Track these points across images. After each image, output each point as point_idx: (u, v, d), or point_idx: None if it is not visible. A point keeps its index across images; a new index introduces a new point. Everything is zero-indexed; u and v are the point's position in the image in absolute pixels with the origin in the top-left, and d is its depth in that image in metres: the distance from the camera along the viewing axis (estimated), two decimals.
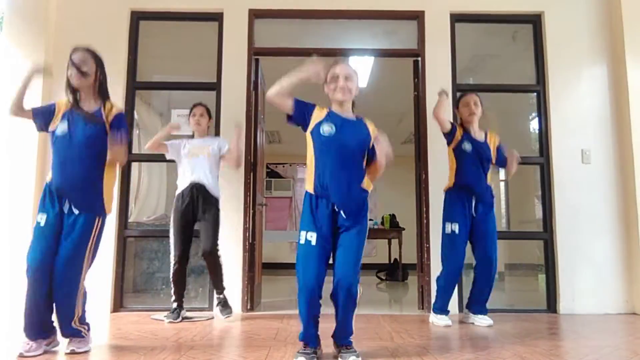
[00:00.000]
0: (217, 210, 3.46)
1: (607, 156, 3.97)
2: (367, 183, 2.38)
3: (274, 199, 9.76)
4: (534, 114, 4.33)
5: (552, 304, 3.88)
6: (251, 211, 3.93)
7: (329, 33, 4.21)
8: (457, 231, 3.27)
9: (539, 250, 4.20)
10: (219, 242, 3.43)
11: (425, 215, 3.93)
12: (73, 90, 2.48)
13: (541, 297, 3.99)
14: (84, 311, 2.44)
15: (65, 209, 2.38)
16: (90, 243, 2.39)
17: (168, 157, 3.58)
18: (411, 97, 4.29)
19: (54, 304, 2.35)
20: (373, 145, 2.39)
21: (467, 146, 3.32)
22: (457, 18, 4.14)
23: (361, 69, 5.75)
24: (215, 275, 3.45)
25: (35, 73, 2.49)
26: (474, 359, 2.30)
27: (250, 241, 3.90)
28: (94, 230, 2.41)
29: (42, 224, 2.36)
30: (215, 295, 3.52)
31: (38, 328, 2.35)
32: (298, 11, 4.13)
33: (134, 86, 4.06)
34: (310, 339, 2.28)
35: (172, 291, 3.43)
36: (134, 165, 4.26)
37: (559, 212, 3.92)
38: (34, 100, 2.61)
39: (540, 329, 3.15)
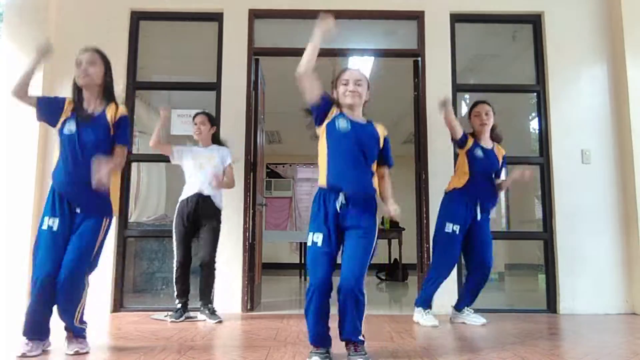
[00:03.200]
0: (219, 222, 3.50)
1: (607, 156, 3.97)
2: (375, 183, 2.38)
3: (274, 199, 9.76)
4: (534, 114, 4.33)
5: (552, 304, 3.88)
6: (251, 211, 3.93)
7: (329, 33, 4.19)
8: (457, 232, 3.28)
9: (539, 250, 4.20)
10: (217, 253, 3.47)
11: (425, 215, 3.93)
12: (78, 90, 2.47)
13: (541, 297, 3.99)
14: (83, 310, 2.44)
15: (73, 211, 2.36)
16: (96, 245, 2.38)
17: (173, 162, 3.58)
18: (411, 97, 4.29)
19: (58, 305, 2.33)
20: (384, 148, 2.42)
21: (479, 153, 3.34)
22: (457, 18, 4.14)
23: (361, 69, 5.76)
24: (207, 285, 3.47)
25: (43, 54, 2.43)
26: (474, 359, 2.30)
27: (250, 241, 3.90)
28: (101, 232, 2.40)
29: (54, 229, 2.31)
30: (201, 303, 3.47)
31: (38, 330, 2.35)
32: (298, 11, 4.13)
33: (134, 86, 4.06)
34: (320, 339, 2.28)
35: (175, 293, 3.47)
36: (134, 165, 4.26)
37: (559, 212, 3.92)
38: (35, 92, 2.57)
39: (540, 329, 3.15)
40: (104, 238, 2.44)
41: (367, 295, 2.29)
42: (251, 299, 3.87)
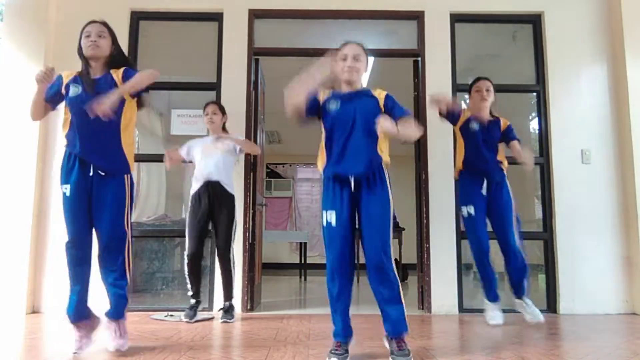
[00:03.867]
0: (233, 208, 3.49)
1: (607, 156, 3.97)
2: (384, 154, 2.33)
3: (273, 199, 9.76)
4: (534, 114, 4.33)
5: (552, 304, 3.88)
6: (251, 211, 3.94)
7: (329, 33, 4.20)
8: (473, 213, 3.27)
9: (539, 250, 4.20)
10: (234, 243, 3.48)
11: (425, 215, 3.93)
12: (85, 59, 2.48)
13: (541, 297, 3.98)
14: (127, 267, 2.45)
15: (91, 173, 2.38)
16: (127, 202, 2.44)
17: (187, 160, 3.58)
18: (411, 97, 4.29)
19: (104, 275, 2.39)
20: (387, 107, 2.35)
21: (474, 125, 3.33)
22: (457, 18, 4.14)
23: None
24: (225, 278, 3.47)
25: (43, 80, 2.41)
26: (474, 359, 2.30)
27: (250, 241, 3.90)
28: (127, 189, 2.45)
29: (67, 194, 2.35)
30: (223, 300, 3.49)
31: (82, 310, 2.38)
32: (298, 11, 4.13)
33: None
34: (340, 332, 2.27)
35: (189, 285, 3.44)
36: (134, 165, 4.25)
37: (559, 212, 3.92)
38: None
39: (540, 329, 3.15)
40: (132, 194, 2.48)
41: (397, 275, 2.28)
42: (251, 299, 3.87)
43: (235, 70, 4.00)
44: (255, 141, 4.07)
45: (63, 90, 2.43)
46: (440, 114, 3.35)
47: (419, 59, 4.13)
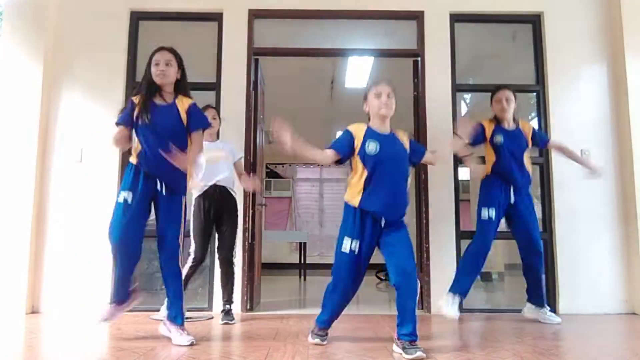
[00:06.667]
0: (237, 214, 3.54)
1: (607, 156, 3.97)
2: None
3: (273, 199, 9.75)
4: (534, 114, 4.33)
5: (551, 304, 3.87)
6: (251, 211, 3.93)
7: (329, 33, 4.21)
8: (493, 217, 3.34)
9: None
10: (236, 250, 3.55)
11: (425, 215, 3.92)
12: (151, 85, 2.67)
13: None
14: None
15: (158, 189, 2.63)
16: (182, 221, 2.70)
17: None
18: (411, 97, 4.29)
19: (168, 287, 2.71)
20: (412, 151, 2.60)
21: (499, 139, 3.39)
22: (457, 18, 4.14)
23: (361, 69, 5.77)
24: (226, 282, 3.47)
25: None
26: (474, 359, 2.30)
27: (249, 241, 3.90)
28: (183, 209, 2.71)
29: (129, 201, 2.58)
30: (223, 302, 3.47)
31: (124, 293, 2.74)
32: (298, 11, 4.13)
33: (133, 86, 4.05)
34: (328, 325, 2.63)
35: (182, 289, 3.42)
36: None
37: (559, 212, 3.92)
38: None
39: (540, 329, 3.15)
40: (185, 215, 2.76)
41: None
42: (251, 299, 3.87)
43: (235, 71, 4.00)
44: (255, 141, 4.07)
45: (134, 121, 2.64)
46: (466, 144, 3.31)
47: (419, 59, 4.13)
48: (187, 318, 3.39)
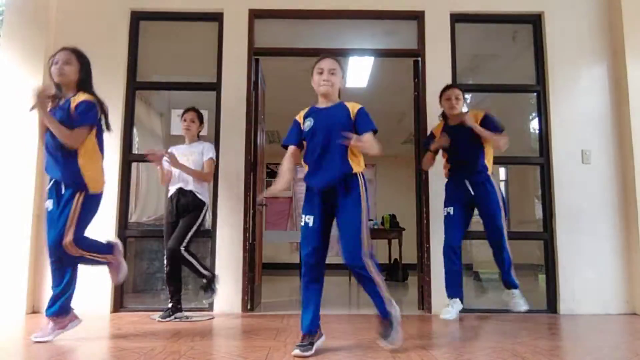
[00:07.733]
0: (199, 212, 3.50)
1: (607, 156, 3.97)
2: (354, 163, 2.47)
3: (273, 199, 9.75)
4: (534, 114, 4.33)
5: (552, 304, 3.88)
6: (251, 211, 3.93)
7: (329, 33, 4.21)
8: (451, 213, 3.52)
9: (539, 250, 4.20)
10: (189, 243, 3.44)
11: (425, 216, 3.93)
12: (56, 84, 2.74)
13: (541, 297, 3.99)
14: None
15: (61, 190, 2.67)
16: (72, 214, 2.62)
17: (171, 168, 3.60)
18: (411, 97, 4.29)
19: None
20: (357, 121, 2.48)
21: (446, 135, 3.53)
22: (457, 18, 4.14)
23: (361, 69, 5.77)
24: (190, 269, 3.46)
25: (41, 99, 2.60)
26: (474, 359, 2.30)
27: (250, 241, 3.90)
28: (75, 202, 2.64)
29: (50, 209, 2.67)
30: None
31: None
32: (298, 11, 4.13)
33: (133, 86, 4.06)
34: (306, 326, 2.40)
35: (168, 290, 3.53)
36: (134, 165, 4.26)
37: (559, 212, 3.92)
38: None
39: (540, 329, 3.15)
40: (82, 208, 2.65)
41: (375, 269, 2.41)
42: (251, 299, 3.87)
43: (236, 70, 4.00)
44: (255, 141, 4.06)
45: None
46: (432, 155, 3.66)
47: (419, 59, 4.13)
48: (187, 318, 3.43)
